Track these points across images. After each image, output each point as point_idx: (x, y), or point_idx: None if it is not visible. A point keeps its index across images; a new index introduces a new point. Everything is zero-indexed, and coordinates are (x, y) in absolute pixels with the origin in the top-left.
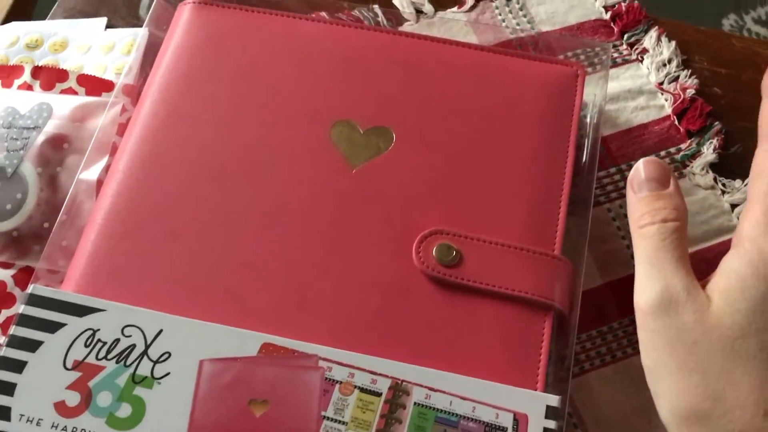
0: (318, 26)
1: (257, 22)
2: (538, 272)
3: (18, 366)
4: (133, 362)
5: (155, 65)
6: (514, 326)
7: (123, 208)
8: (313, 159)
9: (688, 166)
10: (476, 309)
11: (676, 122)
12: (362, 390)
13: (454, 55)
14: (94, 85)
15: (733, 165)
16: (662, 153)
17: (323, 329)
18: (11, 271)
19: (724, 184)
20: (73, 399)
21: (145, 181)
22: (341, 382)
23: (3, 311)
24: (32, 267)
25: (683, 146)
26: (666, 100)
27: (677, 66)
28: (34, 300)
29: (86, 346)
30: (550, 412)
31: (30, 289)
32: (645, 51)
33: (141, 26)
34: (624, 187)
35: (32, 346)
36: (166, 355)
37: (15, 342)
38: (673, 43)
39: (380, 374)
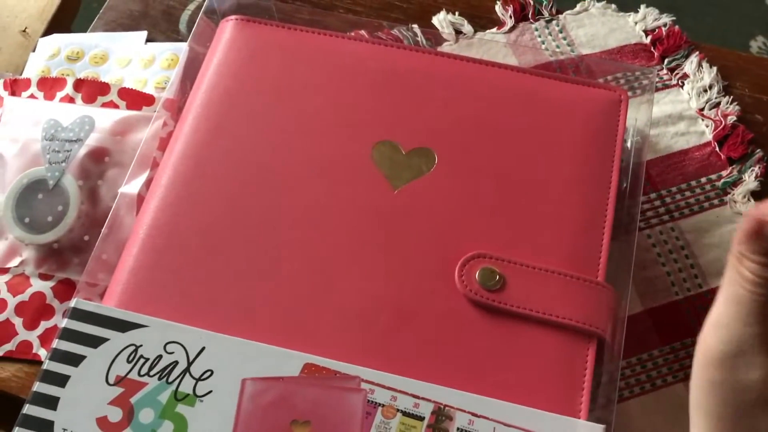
0: (358, 45)
1: (299, 39)
2: (582, 299)
3: (61, 380)
4: (175, 379)
5: (197, 81)
6: (557, 353)
7: (165, 222)
8: (354, 179)
9: (729, 193)
10: (519, 335)
11: (717, 149)
12: (405, 414)
13: (495, 77)
14: (135, 99)
15: None
16: (703, 179)
17: (365, 351)
18: (50, 283)
19: None
20: (115, 415)
21: (188, 196)
22: (384, 405)
23: (42, 323)
24: (71, 279)
25: (724, 173)
26: (707, 126)
27: (718, 92)
28: (77, 314)
29: (129, 361)
30: None
31: (73, 303)
32: (686, 76)
33: (180, 40)
34: (664, 213)
35: (75, 360)
36: (209, 373)
37: (58, 356)
38: (715, 68)
39: (423, 398)
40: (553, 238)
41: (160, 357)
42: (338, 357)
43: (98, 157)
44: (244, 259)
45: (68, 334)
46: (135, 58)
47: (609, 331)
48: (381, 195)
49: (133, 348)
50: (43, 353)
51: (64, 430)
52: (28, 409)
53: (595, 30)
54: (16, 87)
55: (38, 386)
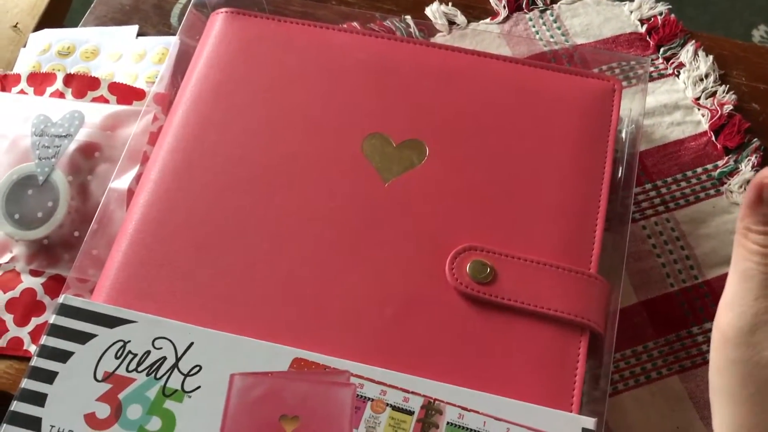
0: (350, 37)
1: (289, 31)
2: (574, 291)
3: (49, 376)
4: (163, 375)
5: (187, 74)
6: (548, 346)
7: (154, 218)
8: (344, 172)
9: (725, 183)
10: (510, 327)
11: (713, 138)
12: (394, 408)
13: (489, 68)
14: (126, 94)
15: None
16: (699, 169)
17: (355, 345)
18: (41, 279)
19: None
20: (103, 411)
21: (177, 191)
22: (373, 400)
23: (33, 319)
24: (62, 275)
25: (720, 163)
26: (703, 116)
27: (714, 81)
28: (65, 310)
29: (117, 357)
30: None
31: (61, 299)
32: (681, 65)
33: (172, 34)
34: (659, 204)
35: (63, 356)
36: (197, 369)
37: (46, 352)
38: (711, 57)
39: (412, 392)
40: (546, 230)
41: (148, 353)
42: (327, 351)
43: (88, 152)
44: (233, 253)
45: (56, 330)
46: (126, 53)
47: (602, 324)
48: (371, 188)
49: (121, 344)
50: (34, 350)
51: (53, 426)
52: (16, 406)
53: (589, 19)
54: (6, 83)
55: (26, 383)
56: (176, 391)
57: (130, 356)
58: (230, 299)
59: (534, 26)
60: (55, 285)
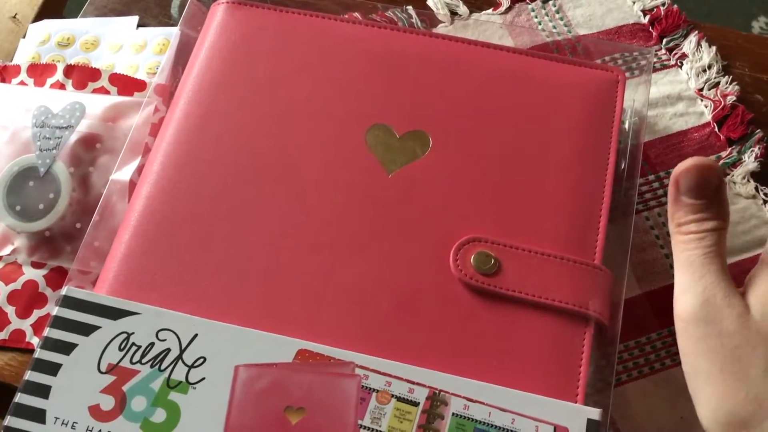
0: (352, 27)
1: (291, 22)
2: (578, 282)
3: (52, 368)
4: (167, 367)
5: (188, 65)
6: (553, 337)
7: (157, 209)
8: (348, 163)
9: (728, 174)
10: (515, 319)
11: (717, 129)
12: (399, 399)
13: (491, 59)
14: (126, 85)
15: None
16: None
17: (359, 336)
18: (43, 271)
19: (766, 194)
20: (107, 403)
21: (179, 182)
22: (378, 391)
23: (35, 311)
24: (64, 267)
25: (723, 154)
26: (706, 107)
27: (717, 72)
28: (68, 302)
29: (120, 349)
30: (591, 426)
31: (64, 291)
32: (684, 56)
33: (173, 25)
34: (663, 195)
35: (66, 348)
36: (201, 360)
37: (49, 344)
38: (714, 48)
39: (418, 383)
40: (550, 221)
41: (152, 344)
42: (332, 343)
43: (89, 143)
44: (237, 245)
45: (59, 323)
46: (126, 44)
47: (606, 315)
48: (375, 179)
49: (125, 336)
50: (36, 342)
51: (57, 418)
52: (20, 398)
53: (592, 10)
54: (5, 74)
55: (30, 375)
56: (181, 382)
57: (134, 348)
58: (234, 291)
59: (536, 17)
60: (57, 277)
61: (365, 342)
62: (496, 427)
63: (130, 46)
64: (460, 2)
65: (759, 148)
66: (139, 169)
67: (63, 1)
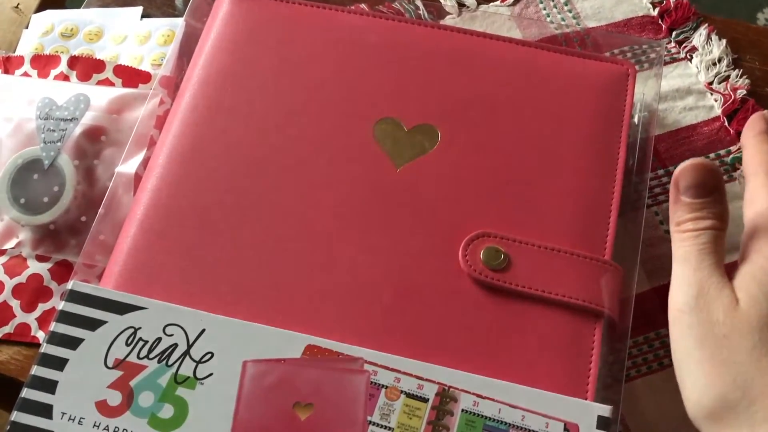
0: (360, 19)
1: (297, 14)
2: (589, 278)
3: (59, 363)
4: (175, 362)
5: (194, 57)
6: (563, 333)
7: (163, 203)
8: (355, 157)
9: (738, 169)
10: (524, 315)
11: (726, 124)
12: (408, 395)
13: (500, 51)
14: (131, 77)
15: None
16: (711, 155)
17: (368, 332)
18: (48, 265)
19: None
20: (114, 398)
21: (185, 176)
22: (387, 387)
23: (40, 305)
24: (69, 261)
25: (733, 149)
26: (716, 101)
27: (728, 65)
28: (74, 296)
29: (127, 344)
30: (602, 423)
31: (70, 284)
32: (694, 49)
33: (177, 16)
34: None
35: (73, 343)
36: (209, 356)
37: (56, 339)
38: (724, 41)
39: (427, 380)
40: (559, 216)
41: (159, 339)
42: (340, 338)
43: (94, 136)
44: (244, 239)
45: (65, 317)
46: (130, 35)
47: (616, 310)
48: (383, 174)
49: (131, 330)
50: (41, 336)
51: (64, 414)
52: (27, 393)
53: (601, 2)
54: (9, 65)
55: (36, 370)
56: (188, 378)
57: (141, 343)
58: (241, 285)
59: (545, 9)
60: (62, 270)
61: (374, 337)
62: (505, 423)
63: (135, 37)
64: None
65: None
66: (145, 162)
67: None
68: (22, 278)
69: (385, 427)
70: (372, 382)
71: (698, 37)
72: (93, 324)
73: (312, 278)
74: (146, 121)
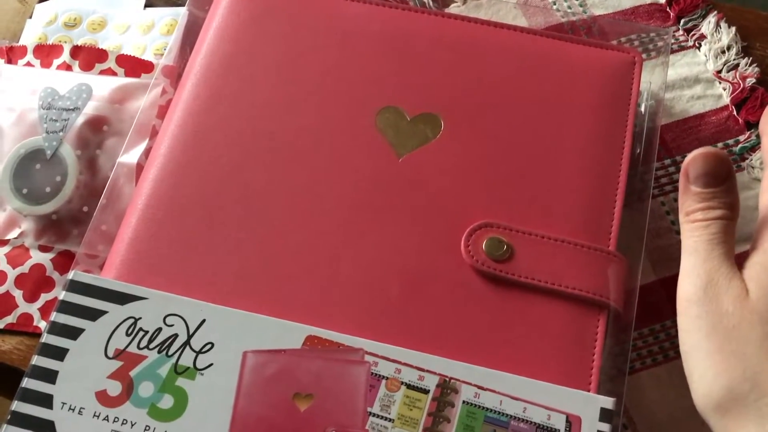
0: (363, 7)
1: (300, 2)
2: (593, 269)
3: (59, 353)
4: (175, 352)
5: (196, 46)
6: (566, 324)
7: (164, 193)
8: (358, 146)
9: (746, 158)
10: (527, 306)
11: (735, 113)
12: (409, 386)
13: (505, 39)
14: (134, 66)
15: None
16: (720, 145)
17: (369, 322)
18: (50, 255)
19: None
20: (114, 388)
21: (187, 166)
22: (387, 378)
23: (42, 295)
24: (71, 251)
25: (742, 138)
26: (724, 89)
27: (737, 53)
28: (75, 286)
29: (128, 334)
30: (604, 415)
31: (71, 275)
32: (702, 37)
33: (180, 5)
34: (678, 180)
35: (73, 333)
36: (209, 346)
37: (56, 329)
38: (733, 29)
39: (428, 371)
40: (563, 206)
41: (159, 330)
42: (341, 329)
43: (96, 125)
44: (245, 229)
45: (66, 307)
46: (134, 24)
47: (620, 302)
48: (385, 163)
49: (132, 321)
50: (44, 326)
51: (64, 403)
52: (27, 382)
53: None
54: (12, 55)
55: (37, 360)
56: (188, 368)
57: (141, 333)
58: (242, 275)
59: None
60: (64, 260)
61: (375, 328)
62: (507, 415)
63: (138, 26)
64: None
65: None
66: (147, 152)
67: None
68: (24, 268)
69: (386, 419)
70: (372, 373)
71: (707, 25)
72: (93, 314)
73: (313, 268)
74: (148, 110)
